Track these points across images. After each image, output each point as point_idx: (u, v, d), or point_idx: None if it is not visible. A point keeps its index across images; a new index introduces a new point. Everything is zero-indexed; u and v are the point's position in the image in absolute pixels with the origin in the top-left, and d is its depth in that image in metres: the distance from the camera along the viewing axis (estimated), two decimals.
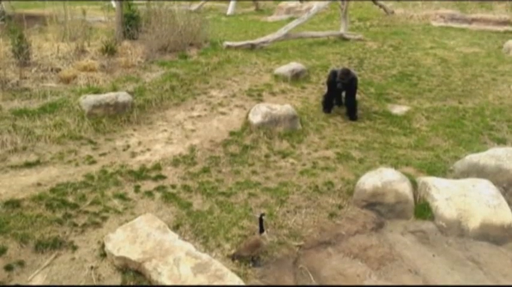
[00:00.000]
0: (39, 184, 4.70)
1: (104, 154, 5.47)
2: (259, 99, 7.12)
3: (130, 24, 8.96)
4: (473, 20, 13.62)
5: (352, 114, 6.88)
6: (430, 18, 13.66)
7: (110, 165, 5.22)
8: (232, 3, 17.45)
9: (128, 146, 5.70)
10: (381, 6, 14.24)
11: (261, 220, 3.94)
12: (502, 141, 6.21)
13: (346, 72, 6.66)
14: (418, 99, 7.63)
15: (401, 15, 13.92)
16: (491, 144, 6.12)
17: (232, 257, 3.93)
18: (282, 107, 6.40)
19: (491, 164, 5.11)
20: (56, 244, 3.92)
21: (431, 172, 5.34)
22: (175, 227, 4.22)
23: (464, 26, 13.15)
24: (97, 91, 6.60)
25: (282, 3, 17.21)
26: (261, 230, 3.94)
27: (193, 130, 6.20)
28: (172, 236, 3.90)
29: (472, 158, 5.28)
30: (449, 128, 6.63)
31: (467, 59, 9.65)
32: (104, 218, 4.32)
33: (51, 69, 7.26)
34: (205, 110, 6.74)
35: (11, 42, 7.32)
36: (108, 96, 6.27)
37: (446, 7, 14.80)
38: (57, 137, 5.60)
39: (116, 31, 8.94)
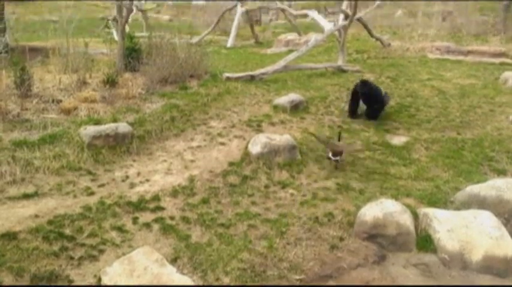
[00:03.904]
0: (36, 216, 4.65)
1: (102, 185, 5.44)
2: (259, 130, 7.15)
3: (132, 57, 9.10)
4: (469, 52, 13.86)
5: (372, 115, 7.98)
6: (426, 50, 13.91)
7: (108, 196, 5.18)
8: (232, 35, 17.82)
9: (127, 177, 5.68)
10: (377, 39, 14.53)
11: (339, 134, 6.53)
12: (502, 172, 6.19)
13: (364, 83, 7.92)
14: (417, 130, 7.67)
15: (398, 48, 14.18)
16: (491, 175, 6.11)
17: (334, 156, 6.02)
18: (281, 138, 6.42)
19: (492, 195, 5.08)
20: (51, 278, 3.83)
21: (432, 203, 5.30)
22: (174, 260, 4.15)
23: (460, 58, 13.38)
24: (97, 122, 6.64)
25: (281, 36, 17.57)
26: (339, 140, 6.42)
27: (192, 161, 6.19)
28: (170, 269, 3.83)
29: (473, 189, 5.26)
30: (448, 159, 6.64)
31: (465, 90, 9.77)
32: (101, 251, 4.25)
33: (53, 101, 7.31)
34: (204, 140, 6.76)
35: (13, 74, 7.42)
36: (108, 127, 6.30)
37: (442, 40, 15.11)
38: (56, 168, 5.58)
39: (117, 63, 9.09)
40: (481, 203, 5.06)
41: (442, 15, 19.03)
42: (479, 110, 8.59)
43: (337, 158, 6.08)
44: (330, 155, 6.09)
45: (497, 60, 13.01)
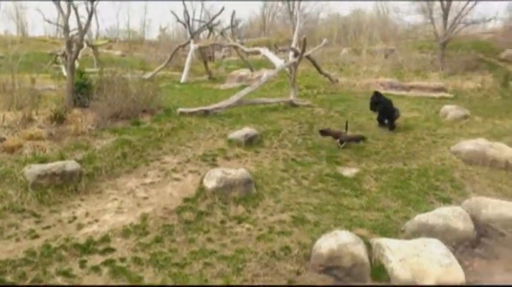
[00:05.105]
0: None
1: (47, 227, 5.14)
2: (214, 164, 7.12)
3: (82, 92, 8.89)
4: (411, 88, 14.76)
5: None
6: (372, 86, 14.64)
7: (54, 239, 4.90)
8: (185, 71, 17.94)
9: (75, 218, 5.40)
10: (326, 75, 15.17)
11: (346, 123, 8.69)
12: (447, 201, 6.50)
13: (376, 94, 10.28)
14: (366, 161, 7.95)
15: (345, 84, 14.85)
16: (437, 203, 6.39)
17: (341, 143, 8.39)
18: (236, 172, 6.41)
19: (440, 224, 5.30)
20: None
21: (384, 232, 5.44)
22: None
23: (403, 93, 14.19)
24: (43, 160, 6.34)
25: (234, 72, 17.93)
26: (346, 129, 8.55)
27: (145, 198, 6.02)
28: None
29: (421, 218, 5.46)
30: (397, 189, 6.88)
31: (408, 123, 10.31)
32: None
33: None
34: (158, 176, 6.62)
35: None
36: (54, 166, 6.03)
37: (386, 76, 16.01)
38: None
39: (65, 99, 8.82)
40: (429, 231, 5.25)
41: (385, 53, 20.23)
42: (423, 141, 9.06)
43: (343, 144, 8.45)
44: (338, 141, 8.50)
45: (437, 95, 13.91)
